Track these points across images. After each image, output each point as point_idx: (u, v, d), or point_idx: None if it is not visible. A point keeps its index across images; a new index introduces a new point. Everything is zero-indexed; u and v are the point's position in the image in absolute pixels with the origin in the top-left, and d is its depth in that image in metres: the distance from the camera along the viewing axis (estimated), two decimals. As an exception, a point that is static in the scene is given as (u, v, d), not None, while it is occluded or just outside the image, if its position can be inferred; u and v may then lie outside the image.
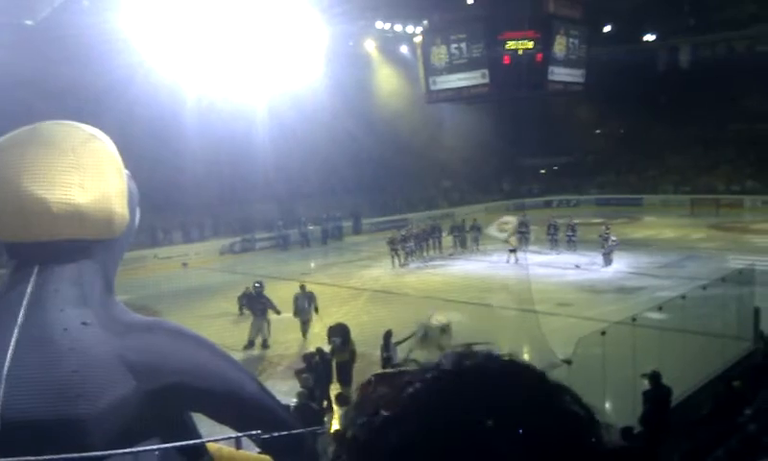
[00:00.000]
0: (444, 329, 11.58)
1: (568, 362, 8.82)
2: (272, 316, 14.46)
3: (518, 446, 0.54)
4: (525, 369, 0.62)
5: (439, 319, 11.80)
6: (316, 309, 14.82)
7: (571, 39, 25.71)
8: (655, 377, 8.80)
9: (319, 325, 14.42)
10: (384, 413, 0.57)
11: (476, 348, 0.64)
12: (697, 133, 39.95)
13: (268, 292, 14.81)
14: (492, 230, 23.63)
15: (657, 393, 8.76)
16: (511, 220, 24.06)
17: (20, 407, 1.05)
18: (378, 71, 37.34)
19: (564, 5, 25.28)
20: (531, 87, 25.42)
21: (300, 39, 24.51)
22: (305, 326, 14.62)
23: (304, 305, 14.79)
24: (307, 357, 10.67)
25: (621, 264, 21.40)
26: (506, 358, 0.63)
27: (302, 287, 15.16)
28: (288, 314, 15.05)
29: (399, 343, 10.86)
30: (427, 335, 11.00)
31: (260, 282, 14.87)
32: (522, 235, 25.16)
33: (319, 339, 12.06)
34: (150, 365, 1.17)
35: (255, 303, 14.44)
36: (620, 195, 40.26)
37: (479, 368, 0.60)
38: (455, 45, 25.23)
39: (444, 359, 0.62)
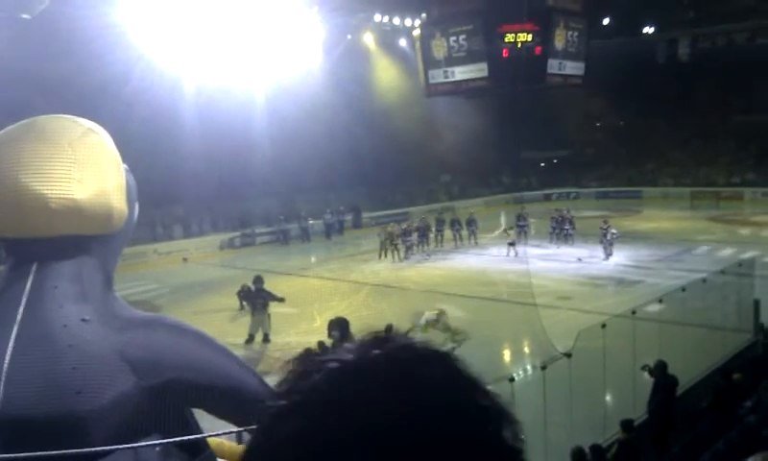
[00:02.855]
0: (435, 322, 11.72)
1: (569, 355, 8.84)
2: (273, 310, 14.44)
3: (415, 451, 0.52)
4: (436, 364, 0.59)
5: (428, 316, 11.96)
6: (392, 238, 23.47)
7: (570, 32, 25.62)
8: (662, 367, 8.83)
9: (319, 319, 14.46)
10: (281, 402, 0.57)
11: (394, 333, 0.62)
12: (697, 125, 39.90)
13: (270, 287, 14.80)
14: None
15: (665, 382, 8.80)
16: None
17: (20, 404, 1.05)
18: (377, 65, 37.22)
19: (563, -3, 25.25)
20: (530, 81, 25.35)
21: (299, 33, 24.47)
22: (388, 251, 23.28)
23: (383, 238, 23.67)
24: (308, 352, 10.69)
25: (621, 257, 21.41)
26: (419, 348, 0.60)
27: (384, 227, 24.49)
28: (290, 308, 15.10)
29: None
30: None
31: (259, 277, 14.85)
32: (521, 229, 25.24)
33: (319, 333, 12.07)
34: (150, 361, 1.16)
35: (255, 298, 14.41)
36: (620, 188, 40.25)
37: (385, 360, 0.58)
38: (454, 38, 25.16)
39: (351, 346, 0.60)
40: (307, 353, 0.62)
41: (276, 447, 0.55)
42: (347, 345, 0.60)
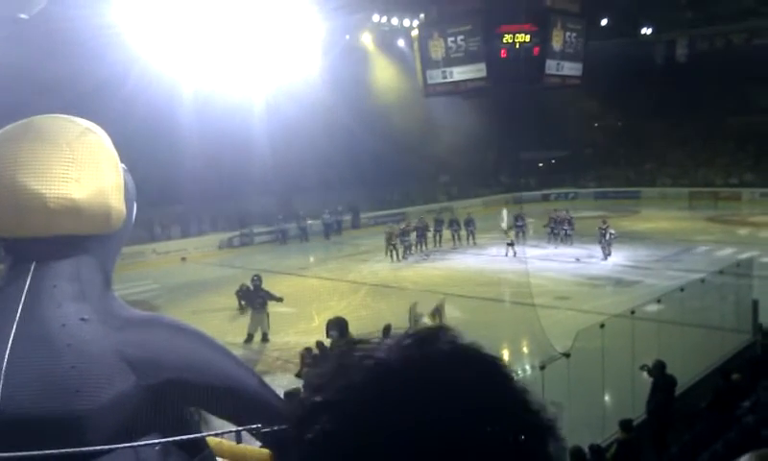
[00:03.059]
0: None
1: (567, 355, 8.85)
2: (272, 309, 14.44)
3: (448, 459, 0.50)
4: (481, 370, 0.56)
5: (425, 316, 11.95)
6: (390, 238, 23.68)
7: (568, 33, 25.60)
8: (660, 367, 8.84)
9: (318, 319, 14.46)
10: (317, 398, 0.56)
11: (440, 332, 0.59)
12: (695, 126, 39.94)
13: (268, 286, 14.80)
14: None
15: (664, 382, 8.81)
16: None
17: (19, 404, 1.05)
18: (375, 65, 37.22)
19: (562, -3, 25.27)
20: (528, 81, 25.34)
21: (297, 33, 24.43)
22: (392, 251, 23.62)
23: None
24: (307, 351, 10.71)
25: (619, 257, 21.44)
26: (464, 352, 0.57)
27: (392, 227, 24.65)
28: (289, 308, 15.09)
29: None
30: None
31: (258, 276, 14.84)
32: (519, 229, 25.28)
33: (318, 333, 12.07)
34: (149, 360, 1.16)
35: (254, 298, 14.41)
36: (618, 188, 40.32)
37: (425, 362, 0.55)
38: (452, 39, 25.14)
39: (390, 345, 0.58)
40: (344, 348, 0.59)
41: (310, 442, 0.54)
42: (386, 342, 0.58)
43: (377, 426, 0.51)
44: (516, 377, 0.57)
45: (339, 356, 0.59)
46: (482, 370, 0.57)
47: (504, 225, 24.54)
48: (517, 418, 0.54)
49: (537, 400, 0.57)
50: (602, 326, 9.75)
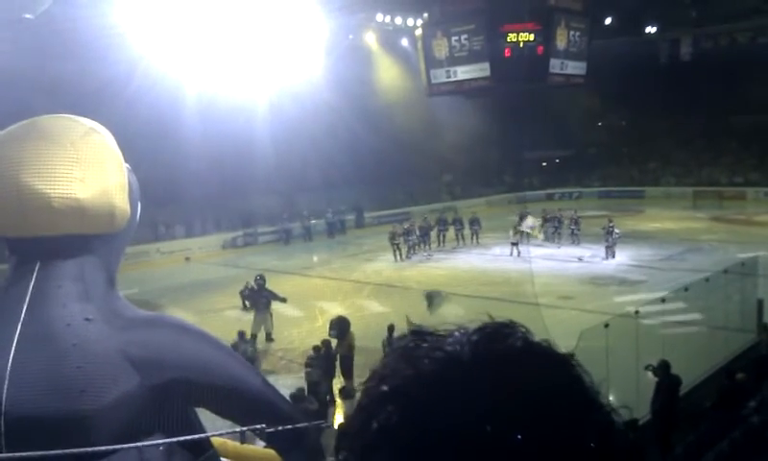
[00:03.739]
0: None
1: (571, 355, 8.81)
2: (276, 309, 14.43)
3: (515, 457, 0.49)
4: (554, 368, 0.56)
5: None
6: (393, 237, 23.60)
7: (572, 32, 25.56)
8: (665, 367, 8.81)
9: (322, 318, 14.47)
10: (383, 387, 0.55)
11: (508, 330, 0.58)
12: (699, 125, 39.84)
13: (271, 286, 14.80)
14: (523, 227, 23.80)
15: (668, 382, 8.79)
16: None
17: (25, 403, 1.05)
18: (379, 64, 37.22)
19: (565, -4, 25.22)
20: (532, 80, 25.32)
21: (300, 33, 24.44)
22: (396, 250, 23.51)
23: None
24: (314, 350, 10.75)
25: (624, 257, 21.39)
26: (538, 350, 0.57)
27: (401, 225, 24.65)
28: (293, 308, 15.08)
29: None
30: None
31: (261, 276, 14.84)
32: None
33: (322, 332, 12.08)
34: (153, 360, 1.16)
35: (258, 298, 14.41)
36: (622, 187, 40.21)
37: (496, 356, 0.55)
38: (456, 38, 25.13)
39: (459, 339, 0.57)
40: (412, 340, 0.58)
41: (376, 431, 0.53)
42: (455, 335, 0.58)
43: (444, 418, 0.51)
44: (588, 378, 0.57)
45: (405, 348, 0.58)
46: (553, 368, 0.56)
47: (536, 232, 24.08)
48: (587, 419, 0.54)
49: (607, 402, 0.56)
50: (606, 325, 9.72)
